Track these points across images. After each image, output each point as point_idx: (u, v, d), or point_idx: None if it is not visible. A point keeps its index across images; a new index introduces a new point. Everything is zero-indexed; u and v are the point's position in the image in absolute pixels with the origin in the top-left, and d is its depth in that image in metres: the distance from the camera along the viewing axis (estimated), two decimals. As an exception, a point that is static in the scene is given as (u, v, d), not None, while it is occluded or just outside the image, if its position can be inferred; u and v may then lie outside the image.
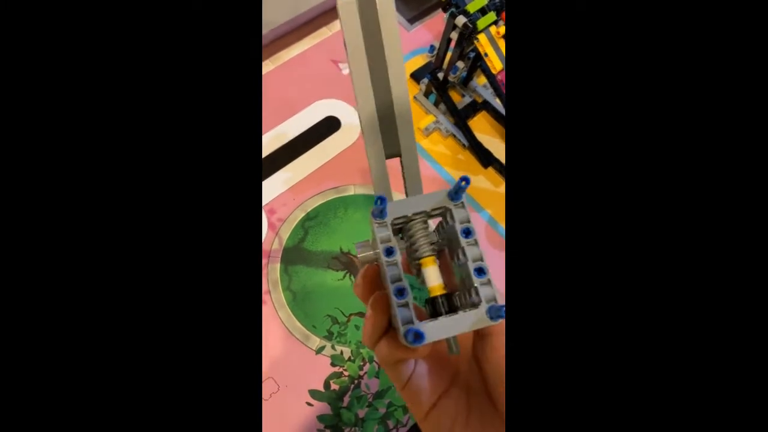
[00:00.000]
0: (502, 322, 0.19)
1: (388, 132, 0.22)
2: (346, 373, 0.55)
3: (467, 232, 0.19)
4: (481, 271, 0.18)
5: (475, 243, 0.19)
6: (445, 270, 0.21)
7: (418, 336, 0.17)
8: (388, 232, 0.19)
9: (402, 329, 0.17)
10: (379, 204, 0.18)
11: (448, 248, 0.21)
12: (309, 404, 0.53)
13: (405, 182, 0.23)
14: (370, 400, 0.53)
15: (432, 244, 0.20)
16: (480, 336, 0.21)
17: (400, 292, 0.18)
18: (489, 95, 0.70)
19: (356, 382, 0.54)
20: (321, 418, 0.52)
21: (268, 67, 0.75)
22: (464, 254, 0.19)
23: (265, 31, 0.75)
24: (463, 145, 0.68)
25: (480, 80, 0.72)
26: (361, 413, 0.53)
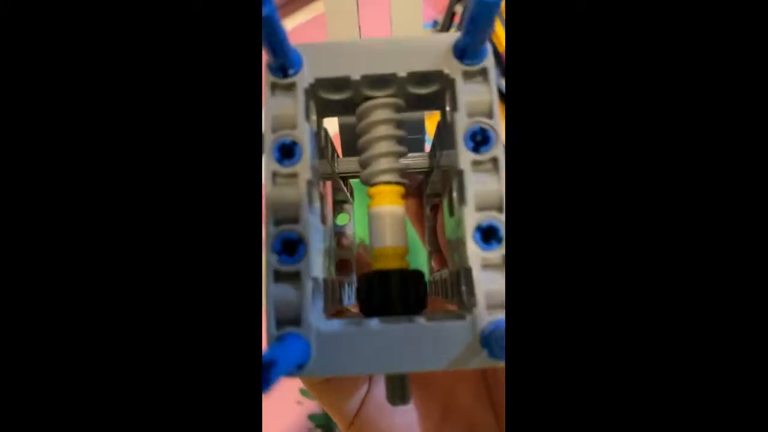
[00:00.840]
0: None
1: None
2: (338, 371, 0.52)
3: (481, 138, 0.09)
4: (490, 234, 0.09)
5: (493, 166, 0.09)
6: (437, 230, 0.12)
7: (267, 367, 0.07)
8: (293, 105, 0.09)
9: (269, 333, 0.08)
10: (266, 15, 0.08)
11: (442, 182, 0.11)
12: (299, 403, 0.50)
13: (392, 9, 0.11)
14: (364, 399, 0.51)
15: (402, 159, 0.10)
16: None
17: (287, 247, 0.09)
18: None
19: (349, 380, 0.52)
20: (312, 417, 0.50)
21: (258, 41, 0.71)
22: (461, 189, 0.09)
23: (255, 2, 0.70)
24: (466, 129, 0.64)
25: (485, 59, 0.67)
26: (355, 413, 0.50)
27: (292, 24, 0.72)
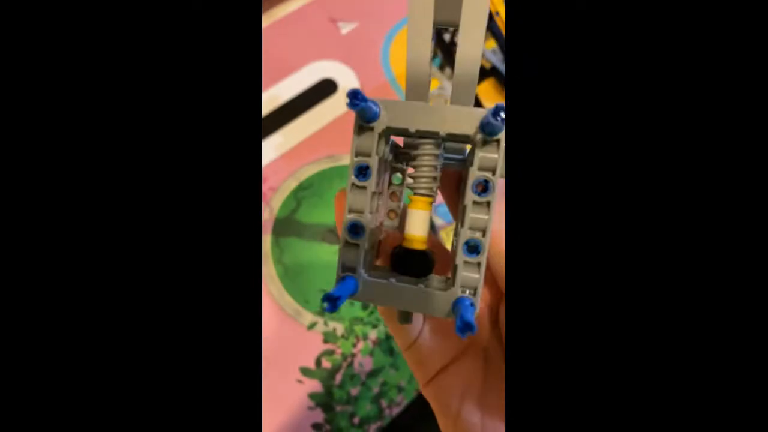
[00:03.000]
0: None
1: None
2: (338, 351, 0.53)
3: (482, 187, 0.13)
4: (473, 249, 0.14)
5: (487, 206, 0.14)
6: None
7: (332, 302, 0.13)
8: (370, 143, 0.14)
9: (338, 274, 0.14)
10: (355, 103, 0.12)
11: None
12: (300, 381, 0.51)
13: (453, 85, 0.16)
14: (363, 378, 0.52)
15: (436, 180, 0.16)
16: (500, 298, 0.19)
17: (354, 230, 0.14)
18: (498, 61, 0.65)
19: (349, 360, 0.52)
20: (312, 395, 0.51)
21: (260, 23, 0.70)
22: (464, 216, 0.14)
23: (257, -17, 0.69)
24: (468, 114, 0.64)
25: (489, 44, 0.67)
26: (354, 391, 0.51)
27: (294, 5, 0.71)
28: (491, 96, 0.66)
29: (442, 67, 0.65)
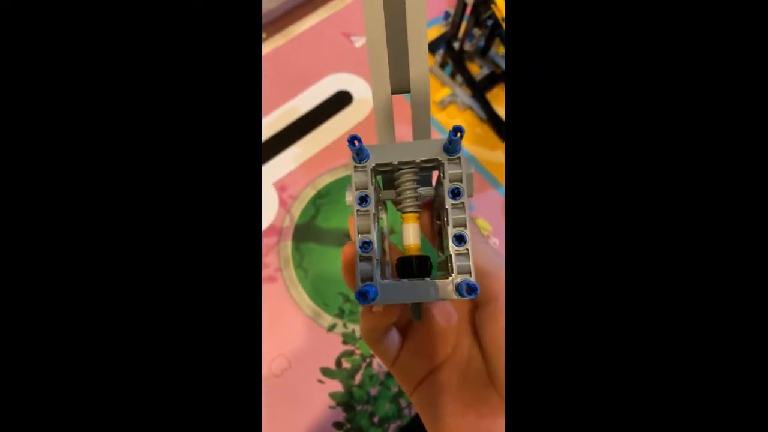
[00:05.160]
0: (500, 291, 0.18)
1: (398, 62, 0.19)
2: (357, 352, 0.54)
3: (455, 193, 0.17)
4: (460, 239, 0.16)
5: (462, 207, 0.17)
6: (440, 232, 0.20)
7: (364, 295, 0.15)
8: (365, 178, 0.17)
9: (358, 285, 0.16)
10: (354, 145, 0.16)
11: (440, 208, 0.19)
12: (320, 382, 0.52)
13: (413, 124, 0.20)
14: (382, 378, 0.53)
15: (418, 199, 0.19)
16: (477, 304, 0.20)
17: (365, 245, 0.16)
18: (508, 65, 0.66)
19: (368, 360, 0.54)
20: (333, 395, 0.52)
21: (278, 41, 0.73)
22: (447, 217, 0.17)
23: (275, 4, 0.73)
24: (481, 119, 0.65)
25: (499, 50, 0.68)
26: (373, 391, 0.52)
27: (310, 23, 0.74)
28: (503, 100, 0.67)
29: (453, 75, 0.66)
